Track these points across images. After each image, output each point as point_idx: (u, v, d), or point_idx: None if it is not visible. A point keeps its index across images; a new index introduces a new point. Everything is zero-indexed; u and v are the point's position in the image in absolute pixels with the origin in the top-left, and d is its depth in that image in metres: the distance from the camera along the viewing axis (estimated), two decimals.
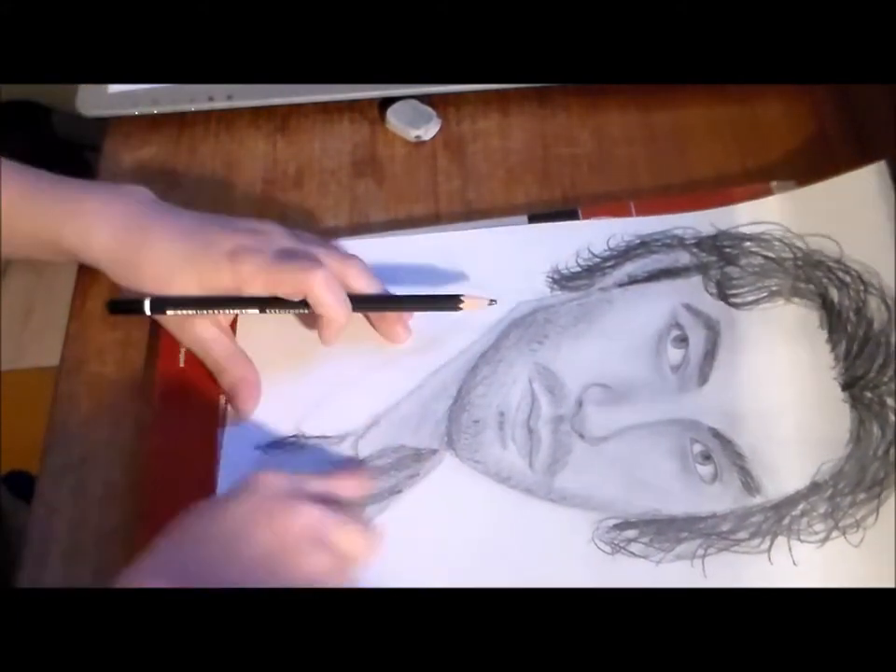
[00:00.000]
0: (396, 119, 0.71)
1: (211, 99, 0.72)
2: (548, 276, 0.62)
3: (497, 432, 0.56)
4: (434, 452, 0.56)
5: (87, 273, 0.65)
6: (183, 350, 0.61)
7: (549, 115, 0.72)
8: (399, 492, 0.55)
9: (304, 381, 0.59)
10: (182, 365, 0.61)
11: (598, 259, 0.62)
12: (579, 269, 0.62)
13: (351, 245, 0.63)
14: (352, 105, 0.73)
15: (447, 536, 0.54)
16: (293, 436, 0.57)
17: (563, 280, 0.61)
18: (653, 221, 0.63)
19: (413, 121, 0.71)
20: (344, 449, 0.57)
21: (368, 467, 0.56)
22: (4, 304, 1.59)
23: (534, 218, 0.65)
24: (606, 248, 0.62)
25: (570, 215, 0.65)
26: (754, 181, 0.64)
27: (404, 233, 0.65)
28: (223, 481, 0.56)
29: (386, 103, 0.72)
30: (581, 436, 0.56)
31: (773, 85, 0.69)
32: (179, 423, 0.58)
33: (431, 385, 0.58)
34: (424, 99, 0.72)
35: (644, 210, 0.64)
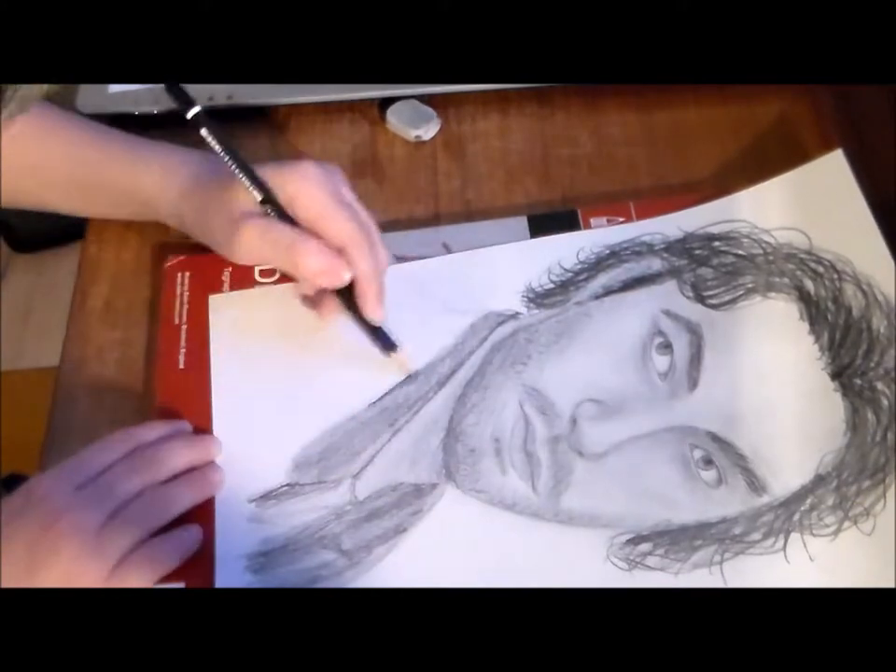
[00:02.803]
0: (396, 119, 0.71)
1: (211, 99, 0.72)
2: (522, 295, 0.61)
3: (495, 459, 0.56)
4: (434, 486, 0.56)
5: (87, 273, 0.66)
6: (183, 350, 0.61)
7: (549, 115, 0.72)
8: (405, 530, 0.54)
9: (290, 425, 0.58)
10: (182, 366, 0.61)
11: (571, 274, 0.62)
12: (552, 285, 0.62)
13: None
14: (352, 105, 0.73)
15: (459, 569, 0.53)
16: (287, 484, 0.56)
17: (538, 298, 0.61)
18: (620, 230, 0.63)
19: (412, 121, 0.71)
20: (341, 493, 0.56)
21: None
22: (4, 304, 1.60)
23: (533, 219, 0.65)
24: (576, 262, 0.62)
25: (570, 215, 0.65)
26: (753, 181, 0.64)
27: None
28: (219, 539, 0.54)
29: (386, 103, 0.72)
30: (580, 454, 0.55)
31: (773, 85, 0.69)
32: None
33: (421, 419, 0.58)
34: (424, 99, 0.72)
35: (644, 211, 0.64)
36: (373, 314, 0.58)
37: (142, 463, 0.54)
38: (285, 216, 0.58)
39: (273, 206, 0.58)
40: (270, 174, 0.58)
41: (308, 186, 0.58)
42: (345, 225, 0.57)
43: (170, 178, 0.62)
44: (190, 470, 0.56)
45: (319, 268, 0.57)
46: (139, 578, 0.51)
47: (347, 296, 0.59)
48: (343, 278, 0.57)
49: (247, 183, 0.58)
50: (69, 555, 0.49)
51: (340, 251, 0.57)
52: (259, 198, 0.58)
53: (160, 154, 0.64)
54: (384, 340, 0.59)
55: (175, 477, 0.55)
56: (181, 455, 0.55)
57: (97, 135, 0.65)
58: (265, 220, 0.58)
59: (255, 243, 0.58)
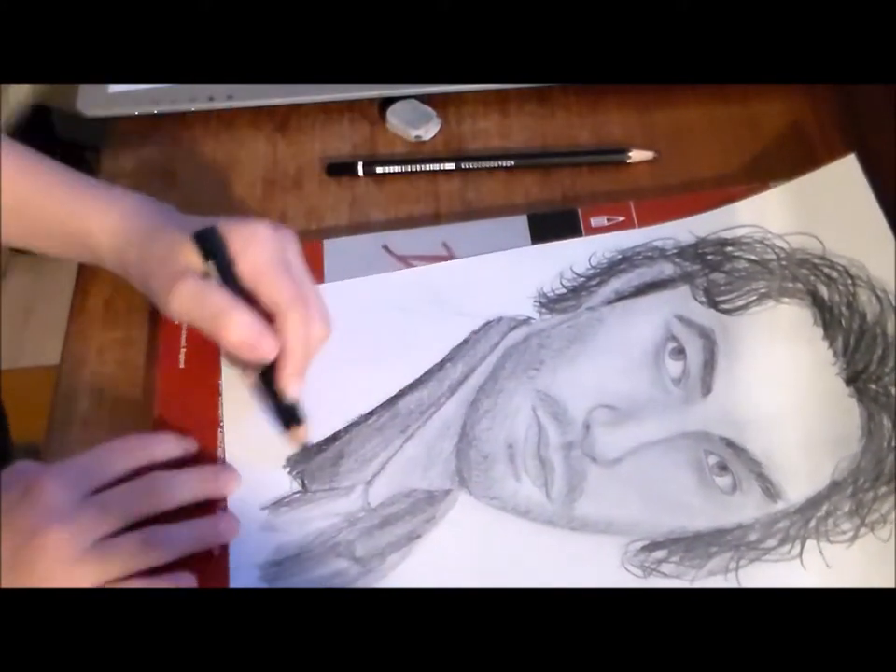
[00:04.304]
0: (396, 119, 0.71)
1: (211, 99, 0.72)
2: (534, 301, 0.61)
3: (509, 465, 0.55)
4: (447, 492, 0.55)
5: (87, 272, 0.66)
6: (183, 350, 0.61)
7: (549, 115, 0.72)
8: (418, 537, 0.54)
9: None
10: (182, 365, 0.61)
11: (583, 279, 0.61)
12: (564, 290, 0.61)
13: (336, 287, 0.62)
14: (352, 105, 0.73)
15: (473, 576, 0.52)
16: (299, 491, 0.56)
17: (550, 303, 0.61)
18: (632, 235, 0.63)
19: (412, 121, 0.71)
20: (354, 499, 0.55)
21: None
22: (4, 304, 1.59)
23: (533, 218, 0.65)
24: (588, 267, 0.62)
25: (570, 215, 0.65)
26: (754, 181, 0.64)
27: (385, 274, 0.63)
28: (233, 548, 0.54)
29: (386, 103, 0.72)
30: (594, 460, 0.55)
31: (773, 85, 0.69)
32: (179, 423, 0.58)
33: (434, 425, 0.57)
34: (424, 99, 0.72)
35: (644, 211, 0.64)
36: (287, 388, 0.55)
37: (152, 489, 0.52)
38: (229, 281, 0.55)
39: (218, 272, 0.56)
40: (221, 227, 0.56)
41: (253, 245, 0.56)
42: (282, 290, 0.55)
43: (124, 224, 0.59)
44: (202, 508, 0.54)
45: (241, 340, 0.54)
46: None
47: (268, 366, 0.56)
48: (266, 355, 0.55)
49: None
50: (45, 567, 0.48)
51: (271, 317, 0.55)
52: (203, 267, 0.56)
53: (115, 202, 0.60)
54: (290, 414, 0.56)
55: (184, 510, 0.53)
56: (193, 490, 0.54)
57: (46, 176, 0.62)
58: (201, 283, 0.55)
59: (187, 303, 0.56)
